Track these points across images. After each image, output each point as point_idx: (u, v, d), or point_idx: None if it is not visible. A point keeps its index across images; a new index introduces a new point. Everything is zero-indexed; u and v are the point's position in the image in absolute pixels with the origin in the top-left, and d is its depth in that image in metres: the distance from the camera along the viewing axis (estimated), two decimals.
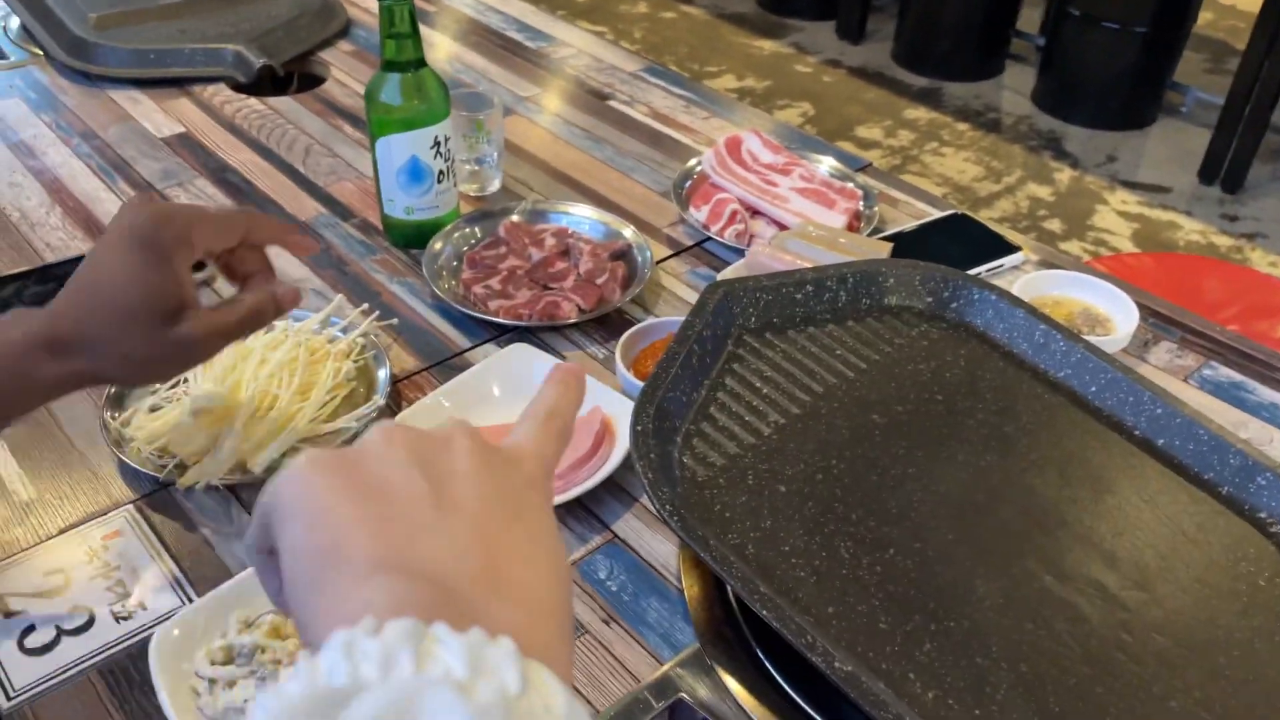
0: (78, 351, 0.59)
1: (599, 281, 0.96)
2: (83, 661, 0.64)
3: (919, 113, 3.45)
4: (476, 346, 0.90)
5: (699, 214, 1.05)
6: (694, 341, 0.75)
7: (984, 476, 0.72)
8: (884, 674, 0.59)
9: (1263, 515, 0.72)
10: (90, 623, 0.66)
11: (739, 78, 3.70)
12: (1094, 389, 0.78)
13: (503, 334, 0.92)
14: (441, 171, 0.98)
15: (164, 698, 0.58)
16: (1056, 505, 0.71)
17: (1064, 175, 3.05)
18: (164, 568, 0.70)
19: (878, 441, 0.73)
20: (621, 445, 0.78)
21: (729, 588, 0.69)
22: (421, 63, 0.93)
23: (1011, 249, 1.02)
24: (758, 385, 0.76)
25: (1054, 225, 2.82)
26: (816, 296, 0.83)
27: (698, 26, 4.23)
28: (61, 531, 0.72)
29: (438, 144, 0.96)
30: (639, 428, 0.68)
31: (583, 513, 0.75)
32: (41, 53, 1.38)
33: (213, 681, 0.60)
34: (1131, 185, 3.00)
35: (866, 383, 0.78)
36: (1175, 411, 0.75)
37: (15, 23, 1.46)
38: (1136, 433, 0.76)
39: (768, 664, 0.64)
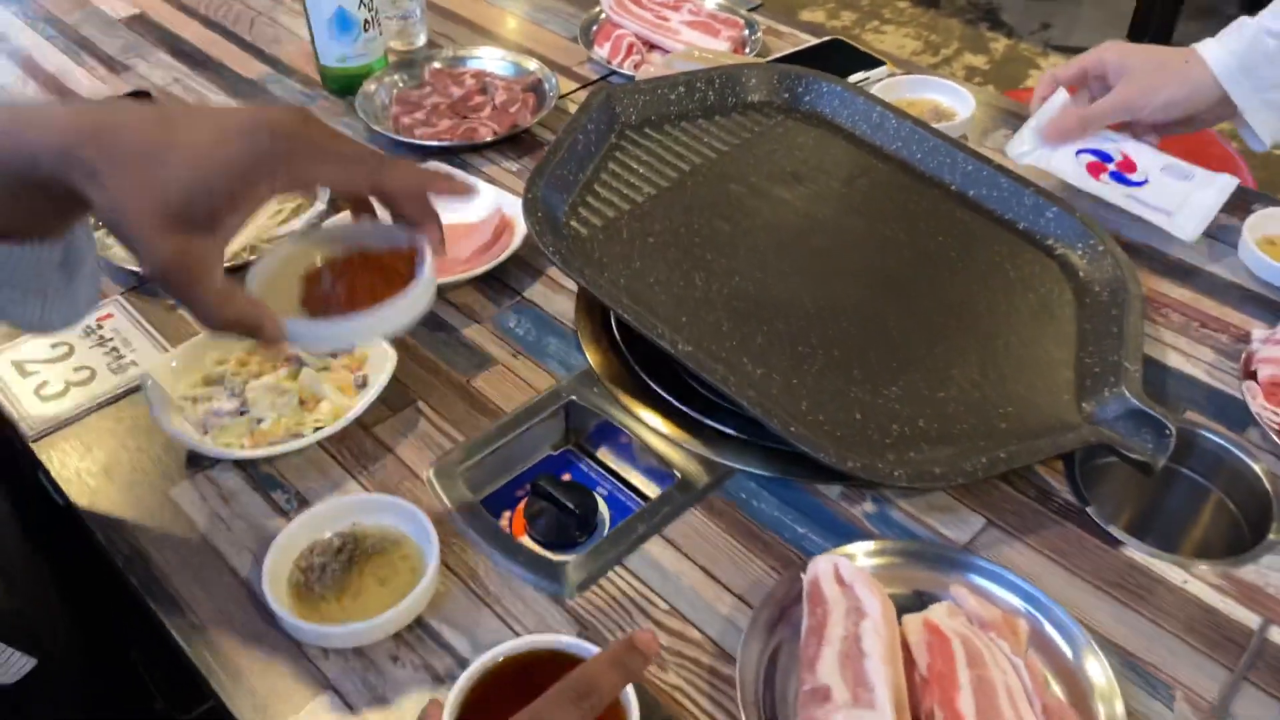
0: (81, 170, 0.51)
1: (512, 110, 1.09)
2: (88, 404, 0.79)
3: None
4: None
5: (602, 51, 1.18)
6: (579, 132, 0.90)
7: (820, 223, 0.88)
8: (721, 359, 0.75)
9: (1050, 241, 0.87)
10: (93, 376, 0.82)
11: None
12: (919, 155, 0.93)
13: (427, 157, 1.06)
14: (367, 20, 1.11)
15: (166, 420, 0.74)
16: (878, 241, 0.87)
17: (999, 45, 3.15)
18: (150, 337, 0.85)
19: (733, 203, 0.88)
20: (522, 232, 0.92)
21: (611, 320, 0.85)
22: None
23: (877, 63, 1.15)
24: (634, 167, 0.91)
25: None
26: (688, 96, 0.97)
27: None
28: None
29: None
30: (529, 195, 0.83)
31: (496, 284, 0.90)
32: None
33: (194, 400, 0.75)
34: (1064, 49, 3.11)
35: (727, 162, 0.92)
36: (982, 166, 0.90)
37: None
38: (953, 187, 0.91)
39: (641, 373, 0.80)
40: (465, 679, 0.55)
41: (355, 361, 0.79)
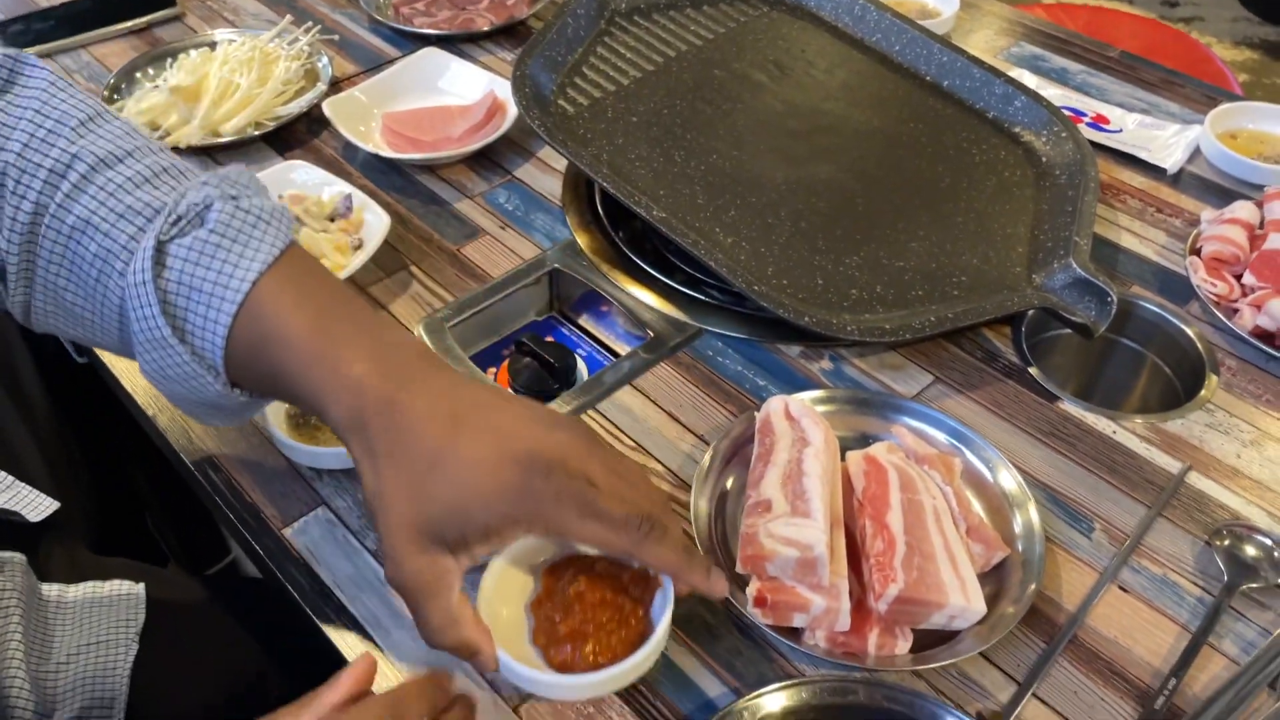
0: (360, 442, 0.52)
1: (509, 2, 1.13)
2: None
3: None
4: (404, 56, 1.08)
5: None
6: (569, 16, 0.93)
7: (797, 108, 0.92)
8: (694, 228, 0.79)
9: (1016, 129, 0.91)
10: None
11: None
12: (898, 47, 0.97)
13: (426, 44, 1.09)
14: None
15: None
16: (851, 125, 0.91)
17: None
18: None
19: (716, 87, 0.92)
20: (513, 115, 0.96)
21: (596, 197, 0.89)
22: None
23: None
24: (622, 52, 0.94)
25: None
26: None
27: None
28: None
29: None
30: (518, 72, 0.87)
31: (488, 163, 0.95)
32: None
33: None
34: None
35: (712, 49, 0.96)
36: (957, 57, 0.94)
37: None
38: (927, 78, 0.95)
39: (622, 244, 0.85)
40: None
41: (352, 225, 0.84)
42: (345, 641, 0.60)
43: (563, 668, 0.55)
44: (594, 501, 0.51)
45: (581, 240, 0.86)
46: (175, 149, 0.95)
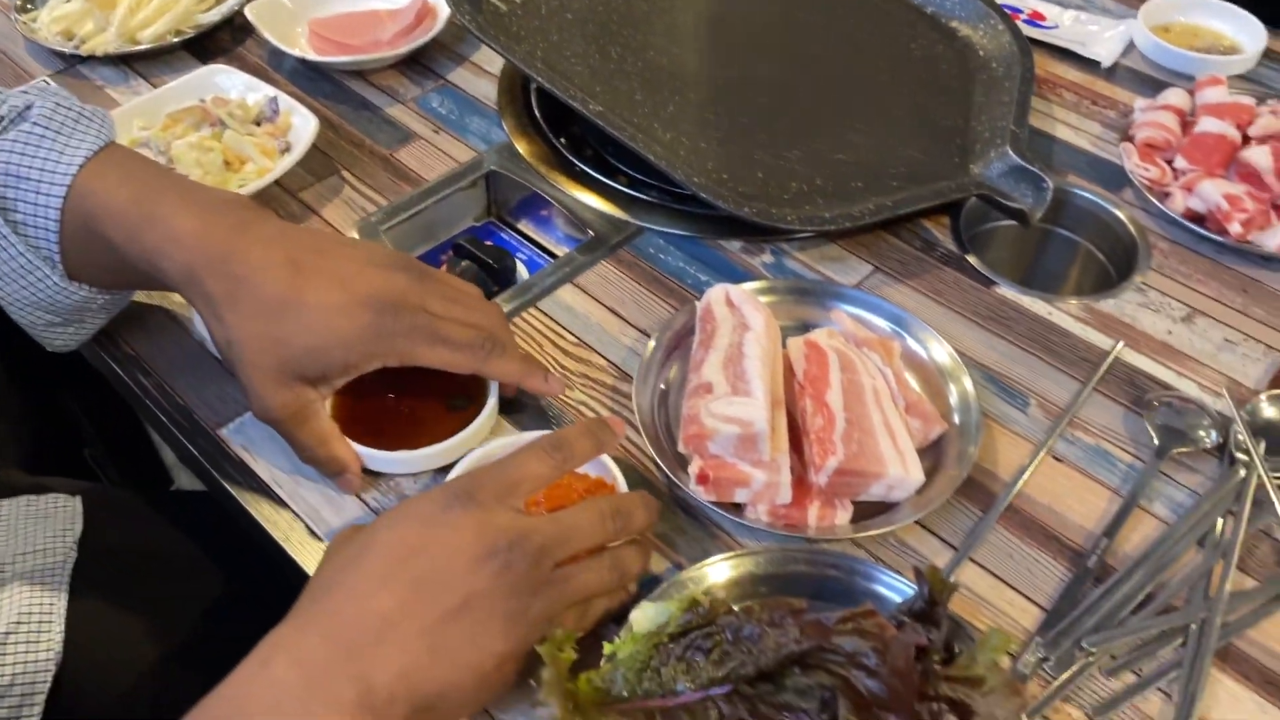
0: (203, 298, 0.56)
1: None
2: None
3: None
4: None
5: None
6: None
7: (737, 4, 0.90)
8: (632, 123, 0.78)
9: (954, 23, 0.91)
10: None
11: None
12: None
13: None
14: None
15: None
16: (791, 22, 0.90)
17: None
18: None
19: None
20: (444, 17, 0.94)
21: (533, 99, 0.87)
22: None
23: None
24: None
25: None
26: None
27: None
28: None
29: None
30: None
31: (420, 68, 0.92)
32: None
33: None
34: None
35: None
36: None
37: None
38: None
39: (559, 145, 0.83)
40: None
41: (278, 129, 0.82)
42: (287, 536, 0.59)
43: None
44: (439, 330, 0.58)
45: (518, 143, 0.84)
46: (92, 57, 0.91)
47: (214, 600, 0.70)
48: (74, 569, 0.65)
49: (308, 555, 0.58)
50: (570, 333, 0.71)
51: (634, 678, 0.48)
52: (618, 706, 0.47)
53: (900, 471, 0.58)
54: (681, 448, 0.59)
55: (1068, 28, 0.95)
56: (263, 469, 0.62)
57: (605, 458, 0.59)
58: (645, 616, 0.50)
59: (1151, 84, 0.90)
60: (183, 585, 0.71)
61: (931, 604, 0.48)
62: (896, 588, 0.53)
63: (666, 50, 0.84)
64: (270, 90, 0.83)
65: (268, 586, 0.62)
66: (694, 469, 0.58)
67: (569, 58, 0.83)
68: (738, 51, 0.86)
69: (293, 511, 0.60)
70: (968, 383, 0.64)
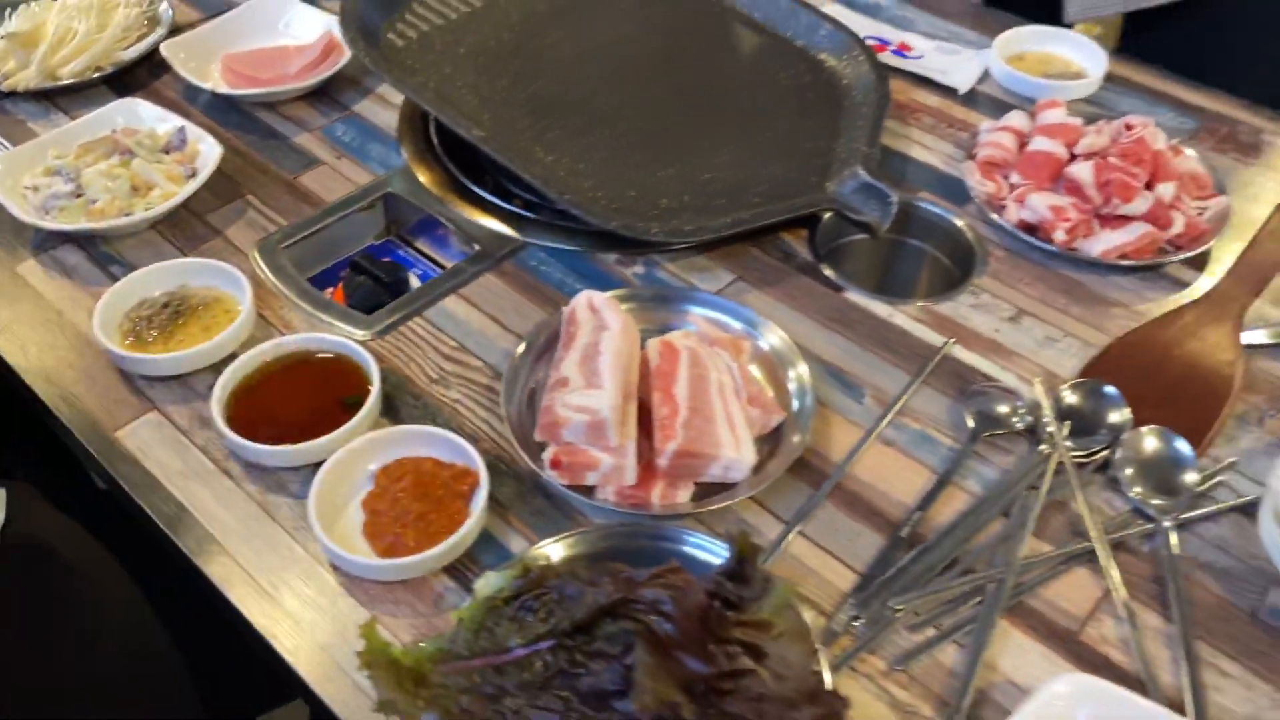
0: None
1: None
2: None
3: None
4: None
5: None
6: None
7: (620, 38, 0.98)
8: (515, 148, 0.85)
9: (821, 55, 0.98)
10: None
11: None
12: None
13: None
14: None
15: (5, 199, 0.81)
16: (670, 54, 0.97)
17: None
18: (3, 151, 0.92)
19: (541, 21, 0.98)
20: (350, 51, 1.00)
21: (431, 128, 0.94)
22: None
23: None
24: None
25: None
26: None
27: None
28: None
29: None
30: (345, 8, 0.91)
31: (327, 99, 0.98)
32: None
33: (35, 189, 0.83)
34: None
35: None
36: None
37: None
38: (743, 10, 1.02)
39: (452, 168, 0.89)
40: (237, 367, 0.70)
41: (186, 157, 0.87)
42: (176, 529, 0.64)
43: (387, 554, 0.61)
44: None
45: (415, 168, 0.90)
46: (14, 93, 0.96)
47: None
48: None
49: (193, 543, 0.64)
50: (452, 338, 0.76)
51: (473, 638, 0.53)
52: (456, 665, 0.52)
53: (734, 454, 0.64)
54: (538, 436, 0.65)
55: (930, 58, 1.02)
56: (155, 467, 0.67)
57: (467, 446, 0.65)
58: (486, 584, 0.55)
59: (1003, 108, 0.98)
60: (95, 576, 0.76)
61: (740, 563, 0.54)
62: (720, 554, 0.59)
63: (553, 80, 0.91)
64: (179, 121, 0.89)
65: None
66: (548, 455, 0.64)
67: (460, 88, 0.89)
68: (620, 81, 0.93)
69: (181, 503, 0.65)
70: (807, 378, 0.71)
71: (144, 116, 0.90)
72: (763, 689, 0.50)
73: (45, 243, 0.83)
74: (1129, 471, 0.66)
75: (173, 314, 0.76)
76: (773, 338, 0.74)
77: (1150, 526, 0.64)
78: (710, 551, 0.60)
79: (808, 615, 0.59)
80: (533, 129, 0.86)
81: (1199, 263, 0.82)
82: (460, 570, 0.62)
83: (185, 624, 0.78)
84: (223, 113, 0.97)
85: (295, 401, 0.69)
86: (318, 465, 0.66)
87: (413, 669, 0.52)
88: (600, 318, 0.71)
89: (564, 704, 0.49)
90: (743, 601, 0.52)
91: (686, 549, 0.60)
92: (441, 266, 0.88)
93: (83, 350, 0.75)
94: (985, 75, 1.01)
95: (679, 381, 0.68)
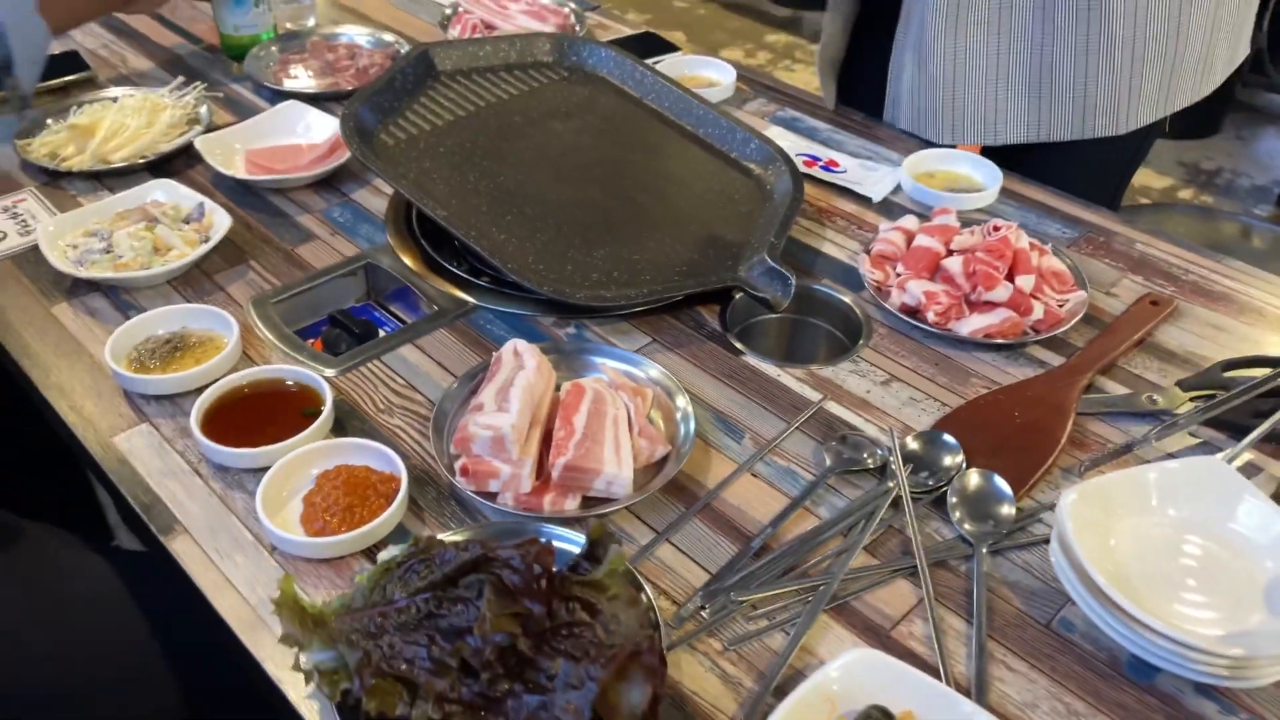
0: None
1: (371, 71, 1.36)
2: (3, 251, 1.04)
3: (777, 37, 3.88)
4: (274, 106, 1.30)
5: (454, 31, 1.45)
6: (398, 72, 1.16)
7: (576, 145, 1.14)
8: (474, 226, 1.00)
9: (749, 164, 1.14)
10: (4, 237, 1.06)
11: (623, 11, 4.11)
12: (667, 104, 1.20)
13: (298, 100, 1.31)
14: None
15: (49, 252, 0.98)
16: (619, 159, 1.13)
17: None
18: (51, 214, 1.09)
19: (512, 129, 1.15)
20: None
21: (412, 214, 1.10)
22: None
23: (674, 49, 1.43)
24: (441, 101, 1.17)
25: None
26: (493, 54, 1.23)
27: None
28: None
29: None
30: (346, 111, 1.09)
31: (331, 188, 1.16)
32: None
33: (75, 246, 1.00)
34: None
35: (515, 101, 1.19)
36: (710, 111, 1.17)
37: None
38: (687, 127, 1.18)
39: (424, 244, 1.05)
40: (215, 388, 0.84)
41: (203, 227, 1.04)
42: (149, 514, 0.77)
43: (315, 536, 0.73)
44: None
45: (395, 244, 1.06)
46: (70, 173, 1.15)
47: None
48: None
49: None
50: (402, 377, 0.90)
51: (368, 594, 0.65)
52: (351, 615, 0.64)
53: (615, 469, 0.76)
54: (452, 449, 0.78)
55: (852, 172, 1.18)
56: (139, 465, 0.81)
57: (395, 456, 0.77)
58: (386, 554, 0.67)
59: (907, 214, 1.13)
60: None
61: (591, 544, 0.65)
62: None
63: (514, 177, 1.08)
64: (199, 197, 1.06)
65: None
66: (459, 464, 0.77)
67: (435, 179, 1.06)
68: (572, 179, 1.09)
69: (157, 494, 0.78)
70: (692, 419, 0.83)
71: (173, 194, 1.08)
72: (593, 638, 0.60)
73: (76, 289, 0.99)
74: (955, 504, 0.76)
75: (173, 349, 0.91)
76: (673, 388, 0.86)
77: (969, 550, 0.74)
78: (575, 542, 0.71)
79: (663, 604, 0.70)
80: (491, 214, 1.02)
81: (1056, 344, 0.94)
82: (376, 554, 0.74)
83: (168, 624, 0.90)
84: (241, 195, 1.14)
85: (260, 417, 0.83)
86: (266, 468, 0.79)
87: (315, 615, 0.63)
88: (521, 360, 0.84)
89: (429, 639, 0.60)
90: (583, 568, 0.63)
91: (560, 543, 0.71)
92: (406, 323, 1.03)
93: (94, 373, 0.90)
94: (898, 188, 1.16)
95: (580, 413, 0.80)
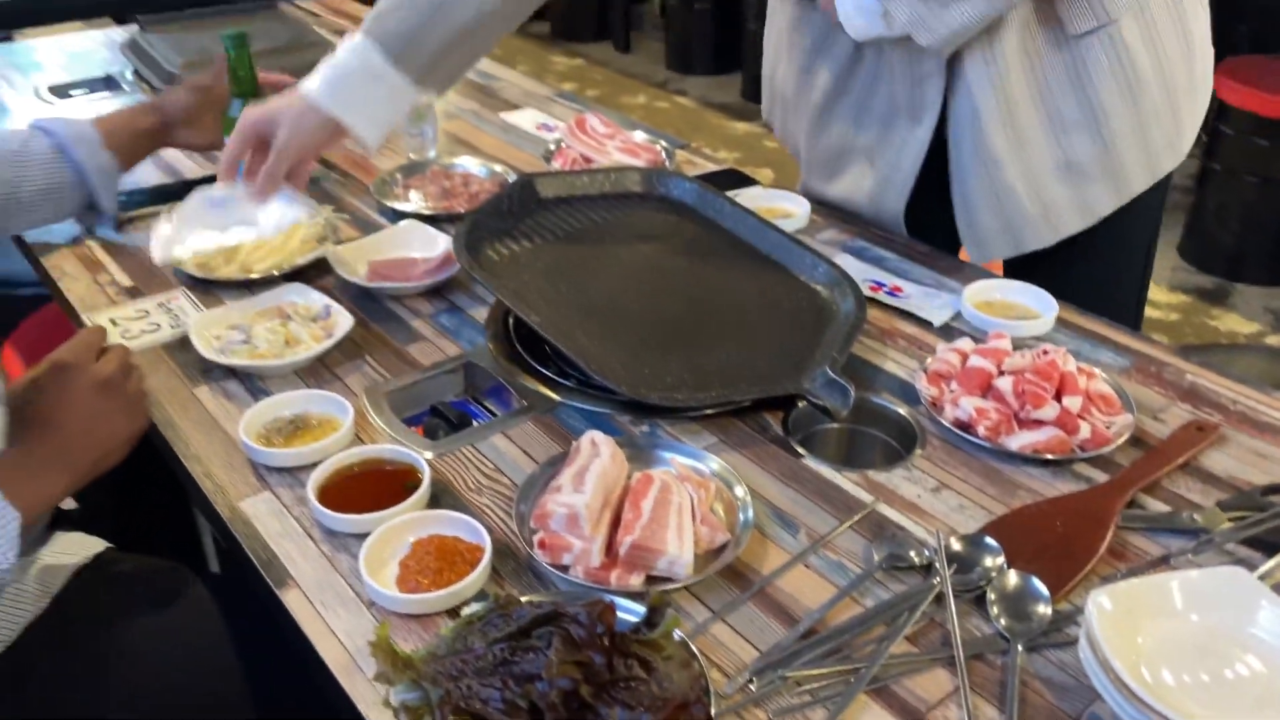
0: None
1: (482, 197, 1.52)
2: (153, 344, 1.19)
3: None
4: (392, 225, 1.46)
5: (557, 164, 1.61)
6: (505, 198, 1.31)
7: (659, 264, 1.26)
8: (563, 332, 1.11)
9: (817, 286, 1.24)
10: (158, 328, 1.21)
11: (714, 150, 4.34)
12: (743, 230, 1.32)
13: (417, 220, 1.47)
14: None
15: (196, 341, 1.13)
16: (697, 277, 1.25)
17: None
18: (200, 311, 1.25)
19: (603, 249, 1.27)
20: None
21: (510, 322, 1.22)
22: (255, 92, 1.45)
23: (753, 182, 1.56)
24: (542, 224, 1.31)
25: None
26: (590, 184, 1.38)
27: (687, 113, 4.91)
28: (145, 296, 1.29)
29: None
30: (459, 229, 1.23)
31: (441, 297, 1.30)
32: (149, 87, 2.02)
33: (218, 337, 1.14)
34: None
35: (607, 225, 1.32)
36: (782, 238, 1.28)
37: (129, 70, 2.11)
38: (761, 250, 1.29)
39: (518, 347, 1.17)
40: (330, 462, 0.94)
41: (329, 325, 1.18)
42: (267, 569, 0.88)
43: (411, 593, 0.83)
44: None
45: (493, 346, 1.18)
46: (217, 280, 1.31)
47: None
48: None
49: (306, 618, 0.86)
50: (491, 461, 1.00)
51: (451, 643, 0.73)
52: (435, 660, 0.72)
53: (677, 551, 0.84)
54: (531, 524, 0.87)
55: (915, 298, 1.26)
56: (260, 527, 0.92)
57: (481, 529, 0.87)
58: (470, 610, 0.76)
59: (966, 337, 1.20)
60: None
61: (650, 611, 0.73)
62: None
63: (601, 290, 1.20)
64: (327, 300, 1.21)
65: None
66: (536, 538, 0.85)
67: (531, 290, 1.18)
68: (652, 293, 1.21)
69: (273, 551, 0.89)
70: (751, 512, 0.90)
71: (305, 296, 1.23)
72: (648, 691, 0.67)
73: (216, 374, 1.13)
74: (994, 601, 0.81)
75: (295, 428, 1.03)
76: (736, 483, 0.94)
77: (1005, 645, 0.79)
78: (635, 613, 0.78)
79: (714, 675, 0.77)
80: (579, 322, 1.14)
81: (1101, 463, 0.99)
82: (460, 613, 0.82)
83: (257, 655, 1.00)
84: (362, 299, 1.29)
85: (367, 490, 0.93)
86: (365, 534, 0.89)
87: (404, 658, 0.72)
88: (597, 449, 0.94)
89: (503, 683, 0.68)
90: (642, 631, 0.70)
91: (622, 613, 0.78)
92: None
93: (227, 446, 1.02)
94: (958, 314, 1.24)
95: (648, 498, 0.89)
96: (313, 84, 1.25)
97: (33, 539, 1.00)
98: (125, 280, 1.34)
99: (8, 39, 2.65)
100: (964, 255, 1.40)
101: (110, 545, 1.06)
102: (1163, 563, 0.86)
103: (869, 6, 1.17)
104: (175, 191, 1.53)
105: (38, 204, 1.31)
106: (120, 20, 2.56)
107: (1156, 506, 0.94)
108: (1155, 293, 3.24)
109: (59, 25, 2.66)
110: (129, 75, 2.10)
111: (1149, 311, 3.18)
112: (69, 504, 1.09)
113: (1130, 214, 1.34)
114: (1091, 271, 1.37)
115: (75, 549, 1.02)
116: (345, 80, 1.24)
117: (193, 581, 1.05)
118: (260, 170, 1.28)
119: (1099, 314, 1.25)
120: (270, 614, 0.87)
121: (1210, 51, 1.34)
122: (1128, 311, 1.42)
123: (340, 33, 2.29)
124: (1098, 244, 1.36)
